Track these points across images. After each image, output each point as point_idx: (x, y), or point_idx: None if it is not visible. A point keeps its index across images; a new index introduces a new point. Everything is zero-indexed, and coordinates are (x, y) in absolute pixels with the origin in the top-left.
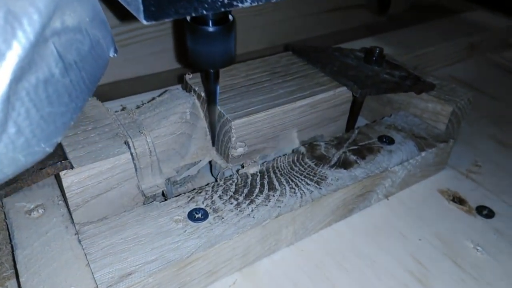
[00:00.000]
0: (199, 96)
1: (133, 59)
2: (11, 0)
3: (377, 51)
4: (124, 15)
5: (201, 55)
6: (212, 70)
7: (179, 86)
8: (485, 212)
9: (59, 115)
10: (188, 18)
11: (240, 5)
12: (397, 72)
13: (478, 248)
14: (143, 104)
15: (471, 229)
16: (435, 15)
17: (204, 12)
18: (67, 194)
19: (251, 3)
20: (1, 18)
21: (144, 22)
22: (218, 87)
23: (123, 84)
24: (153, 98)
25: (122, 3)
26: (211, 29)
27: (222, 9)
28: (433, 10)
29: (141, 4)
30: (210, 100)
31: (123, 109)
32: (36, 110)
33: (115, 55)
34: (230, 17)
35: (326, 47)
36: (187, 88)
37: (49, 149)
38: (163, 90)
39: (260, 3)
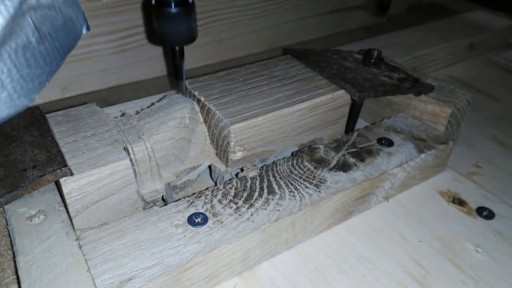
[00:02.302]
0: (198, 101)
1: (133, 64)
2: None
3: (375, 53)
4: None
5: (165, 33)
6: (177, 47)
7: None
8: (485, 213)
9: (36, 76)
10: (153, 1)
11: None
12: (395, 74)
13: (478, 249)
14: (142, 110)
15: (471, 230)
16: (434, 16)
17: None
18: (67, 201)
19: None
20: None
21: None
22: (184, 64)
23: (124, 89)
24: (153, 104)
25: None
26: (173, 10)
27: None
28: (433, 10)
29: None
30: (177, 76)
31: (123, 114)
32: (17, 70)
33: (88, 32)
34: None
35: (324, 50)
36: (187, 92)
37: (28, 103)
38: (162, 95)
39: None
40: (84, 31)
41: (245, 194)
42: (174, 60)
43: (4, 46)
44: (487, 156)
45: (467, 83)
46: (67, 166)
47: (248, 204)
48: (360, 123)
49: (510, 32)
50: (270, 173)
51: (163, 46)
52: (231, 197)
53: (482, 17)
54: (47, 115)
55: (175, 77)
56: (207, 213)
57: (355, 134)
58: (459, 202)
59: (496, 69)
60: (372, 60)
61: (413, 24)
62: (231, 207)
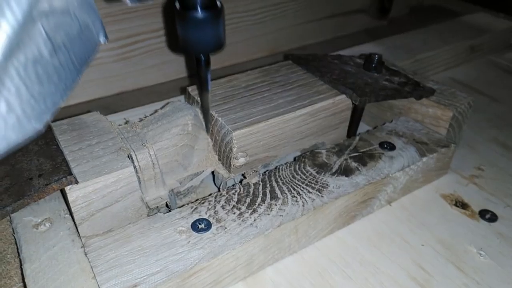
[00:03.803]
0: (200, 107)
1: (136, 71)
2: None
3: (376, 58)
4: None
5: (190, 40)
6: (203, 56)
7: (181, 98)
8: (488, 216)
9: (49, 95)
10: (177, 4)
11: None
12: (396, 78)
13: (481, 252)
14: (145, 117)
15: (474, 233)
16: (435, 18)
17: None
18: (72, 208)
19: None
20: None
21: (129, 4)
22: (209, 74)
23: (127, 96)
24: (156, 111)
25: None
26: (199, 14)
27: None
28: (434, 13)
29: None
30: (202, 87)
31: (126, 122)
32: (26, 88)
33: (106, 41)
34: (218, 3)
35: (325, 55)
36: (189, 99)
37: (40, 127)
38: (165, 101)
39: None
40: (102, 40)
41: (248, 200)
42: (198, 70)
43: (11, 60)
44: (489, 159)
45: (469, 85)
46: (72, 174)
47: (251, 210)
48: (362, 127)
49: (511, 33)
50: (272, 178)
51: (187, 55)
52: (234, 203)
53: (483, 19)
54: (52, 124)
55: (199, 88)
56: (210, 219)
57: (357, 138)
58: (462, 205)
59: (497, 71)
60: (373, 65)
61: (414, 27)
62: (234, 213)
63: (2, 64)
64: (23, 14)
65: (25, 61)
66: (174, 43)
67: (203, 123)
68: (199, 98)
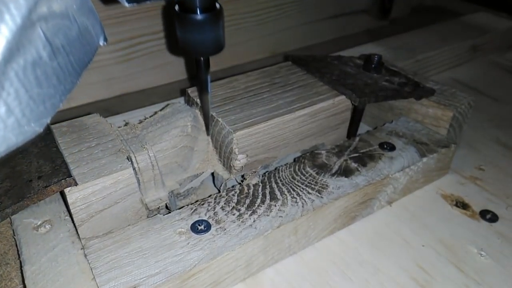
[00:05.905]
0: (200, 109)
1: (136, 73)
2: None
3: (376, 59)
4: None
5: (190, 42)
6: (202, 58)
7: (181, 100)
8: (488, 216)
9: (48, 96)
10: (177, 7)
11: None
12: (396, 78)
13: (482, 253)
14: (145, 119)
15: (475, 233)
16: (437, 18)
17: None
18: (72, 210)
19: None
20: None
21: (126, 5)
22: (209, 76)
23: (128, 98)
24: (155, 113)
25: None
26: (198, 16)
27: None
28: (435, 13)
29: None
30: (202, 89)
31: (126, 124)
32: (25, 91)
33: (105, 43)
34: (217, 5)
35: (325, 55)
36: (189, 101)
37: (39, 129)
38: (165, 103)
39: None
40: (101, 43)
41: (247, 201)
42: (198, 72)
43: (10, 63)
44: (490, 159)
45: (470, 85)
46: (71, 176)
47: (251, 211)
48: (363, 128)
49: None
50: (272, 179)
51: (186, 56)
52: (234, 204)
53: (485, 19)
54: (52, 126)
55: (199, 90)
56: (210, 221)
57: (357, 139)
58: (463, 205)
59: (499, 71)
60: (373, 65)
61: (415, 27)
62: (233, 214)
63: (1, 68)
64: (22, 18)
65: (24, 64)
66: (175, 45)
67: (203, 124)
68: (198, 100)
